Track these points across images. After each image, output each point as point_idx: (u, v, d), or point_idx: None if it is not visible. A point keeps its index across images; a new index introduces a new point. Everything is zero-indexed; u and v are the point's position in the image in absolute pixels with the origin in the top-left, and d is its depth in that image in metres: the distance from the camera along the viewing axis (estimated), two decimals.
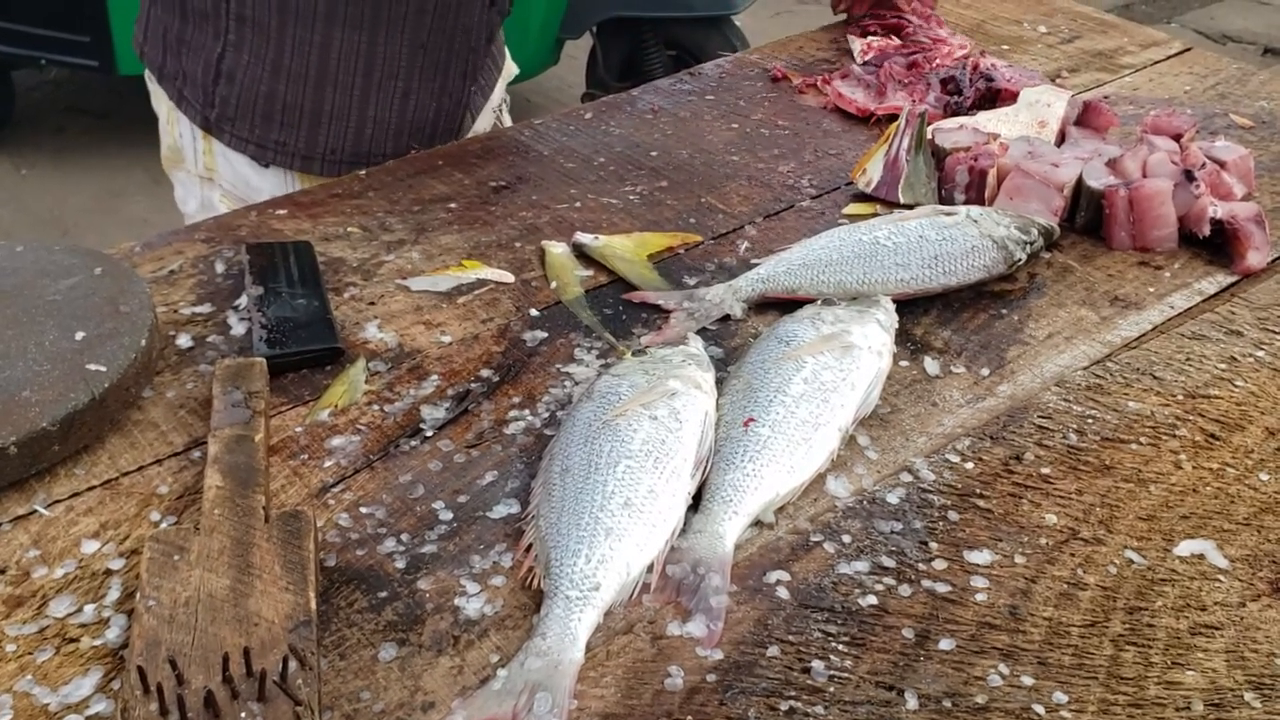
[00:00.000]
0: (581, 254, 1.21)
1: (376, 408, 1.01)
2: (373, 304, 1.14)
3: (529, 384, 1.04)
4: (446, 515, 0.90)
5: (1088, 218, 1.24)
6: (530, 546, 0.85)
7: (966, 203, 1.27)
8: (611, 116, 1.50)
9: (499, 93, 1.67)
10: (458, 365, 1.06)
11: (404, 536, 0.89)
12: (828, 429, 0.94)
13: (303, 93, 1.39)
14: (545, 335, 1.10)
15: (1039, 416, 1.00)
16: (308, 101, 1.40)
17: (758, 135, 1.46)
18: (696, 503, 0.89)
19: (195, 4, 1.39)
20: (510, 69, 1.72)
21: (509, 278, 1.18)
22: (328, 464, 0.96)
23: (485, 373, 1.05)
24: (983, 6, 1.75)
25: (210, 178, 1.49)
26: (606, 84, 4.55)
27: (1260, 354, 1.08)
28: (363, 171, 1.37)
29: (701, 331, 1.11)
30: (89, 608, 0.83)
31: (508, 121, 1.71)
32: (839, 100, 1.50)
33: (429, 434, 0.98)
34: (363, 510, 0.91)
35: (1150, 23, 6.44)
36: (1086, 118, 1.36)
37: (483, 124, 1.60)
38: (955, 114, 1.43)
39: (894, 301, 1.12)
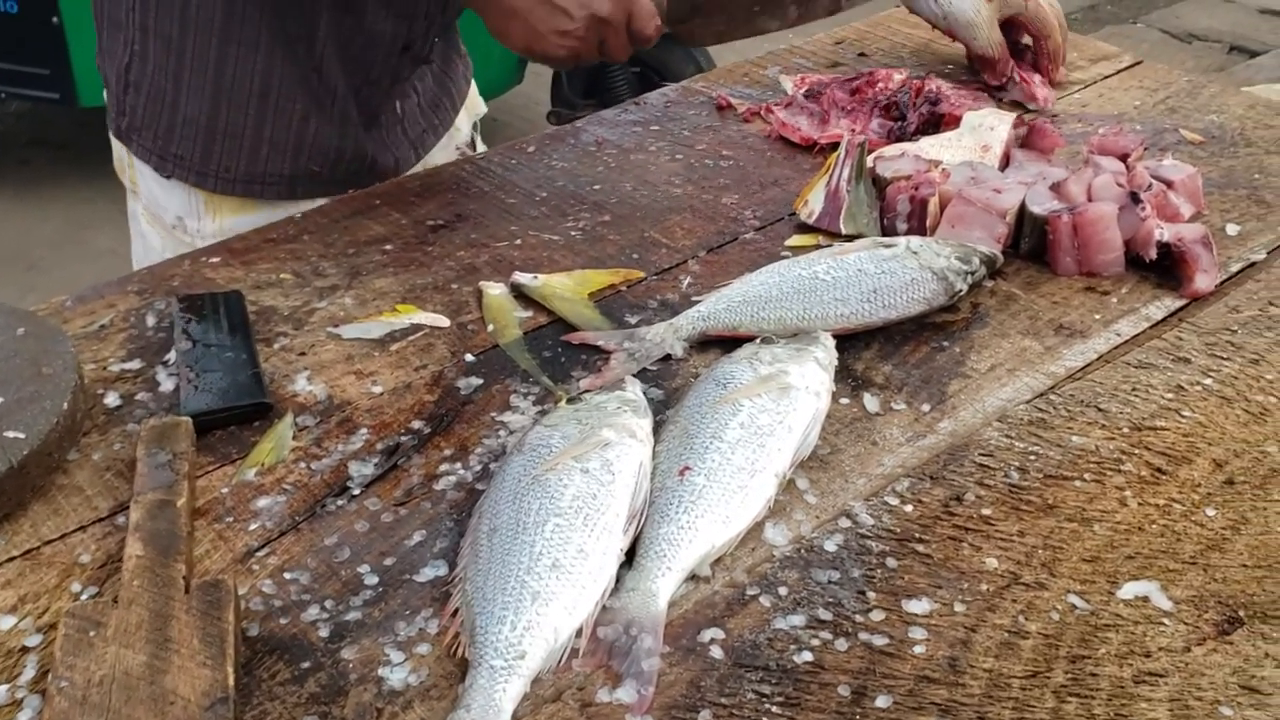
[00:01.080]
0: (520, 294, 1.19)
1: (304, 465, 0.99)
2: (303, 354, 1.12)
3: (461, 435, 1.01)
4: (372, 579, 0.88)
5: (1032, 243, 1.23)
6: (456, 611, 0.83)
7: (909, 232, 1.25)
8: (554, 149, 1.48)
9: (464, 131, 1.64)
10: (388, 417, 1.04)
11: (328, 603, 0.86)
12: (764, 475, 0.92)
13: (200, 107, 1.37)
14: (481, 382, 1.08)
15: (980, 454, 0.98)
16: (204, 117, 1.38)
17: (702, 166, 1.44)
18: (631, 557, 0.87)
19: (110, 12, 1.39)
20: (478, 107, 1.70)
21: (444, 322, 1.16)
22: (253, 526, 0.93)
23: (416, 424, 1.03)
24: (918, 30, 1.73)
25: (135, 191, 1.48)
26: (572, 102, 4.54)
27: (1208, 382, 1.06)
28: (298, 214, 1.35)
29: (642, 372, 1.09)
30: (2, 689, 0.80)
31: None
32: (782, 129, 1.48)
33: (356, 492, 0.96)
34: (287, 576, 0.88)
35: (1116, 22, 6.47)
36: (1031, 140, 1.35)
37: (441, 158, 1.58)
38: (899, 140, 1.41)
39: (835, 337, 1.10)
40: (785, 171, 1.42)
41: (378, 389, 1.07)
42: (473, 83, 1.68)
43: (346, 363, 1.11)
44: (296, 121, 1.40)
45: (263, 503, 0.95)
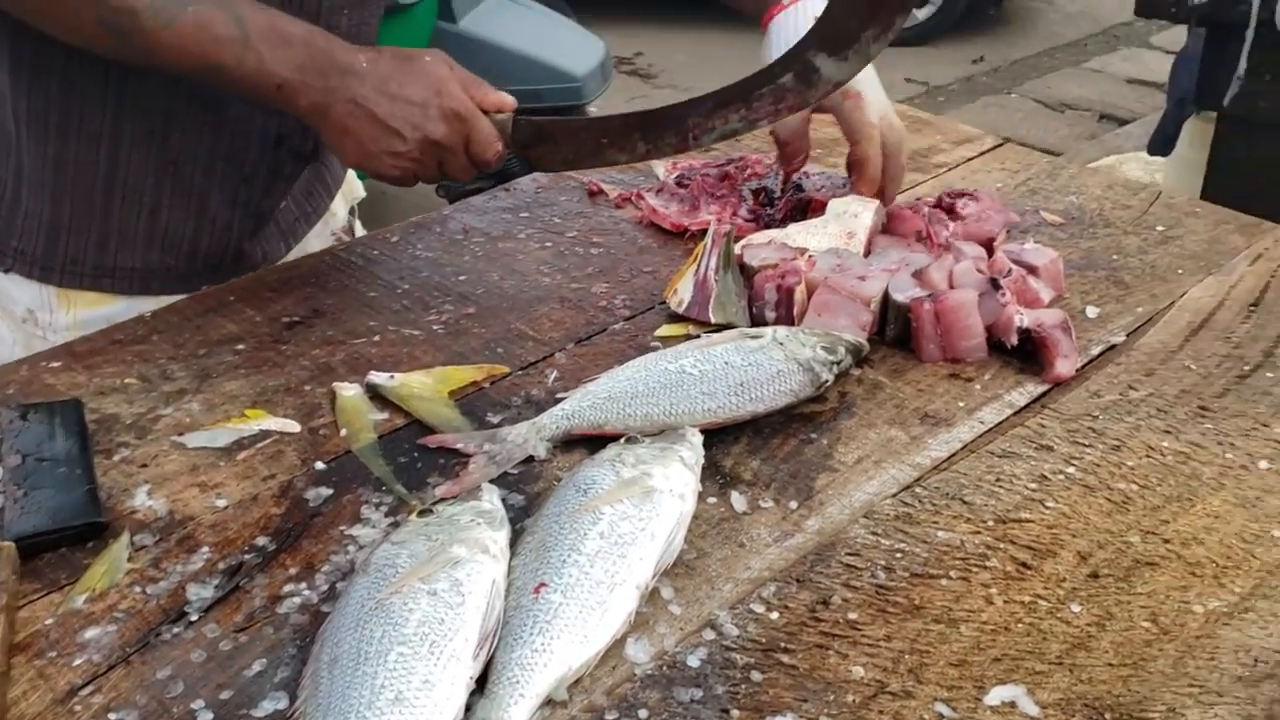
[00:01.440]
0: (377, 395, 1.14)
1: (139, 589, 0.92)
2: (145, 466, 1.05)
3: (308, 551, 0.96)
4: (206, 716, 0.82)
5: (897, 331, 1.23)
6: None
7: (777, 321, 1.24)
8: (419, 238, 1.44)
9: (340, 215, 1.60)
10: (232, 533, 0.98)
11: None
12: (625, 588, 0.88)
13: (41, 200, 1.31)
14: (331, 492, 1.03)
15: (847, 554, 0.96)
16: (45, 211, 1.31)
17: (572, 254, 1.42)
18: (483, 683, 0.83)
19: None
20: (355, 191, 1.65)
21: (295, 427, 1.10)
22: (78, 661, 0.86)
23: (261, 540, 0.97)
24: None
25: None
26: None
27: (1071, 470, 1.06)
28: (148, 313, 1.29)
29: (503, 476, 1.05)
30: None
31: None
32: (653, 215, 1.47)
33: (194, 618, 0.90)
34: (112, 716, 0.82)
35: (992, 93, 6.71)
36: (893, 225, 1.35)
37: (316, 245, 1.53)
38: (768, 226, 1.41)
39: (703, 432, 1.08)
40: (656, 259, 1.41)
41: (222, 502, 1.01)
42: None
43: (190, 474, 1.05)
44: (146, 214, 1.34)
45: (91, 633, 0.88)
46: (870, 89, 1.37)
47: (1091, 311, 1.30)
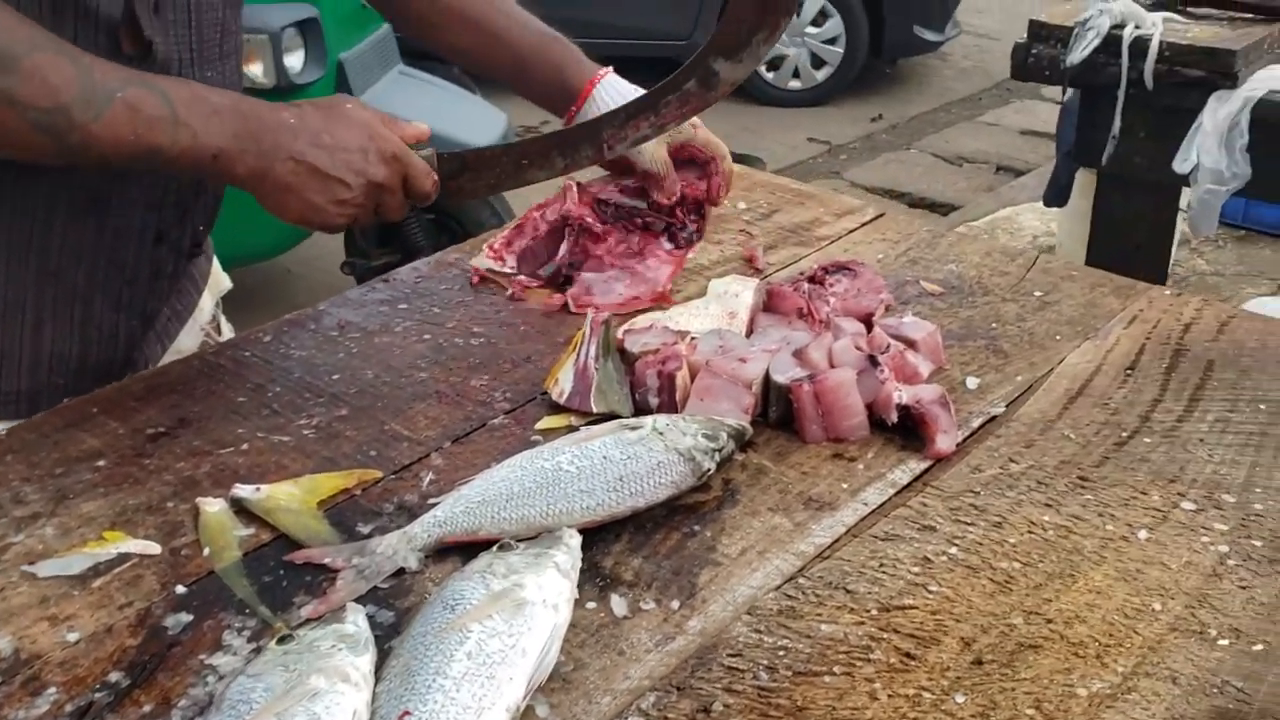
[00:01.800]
0: (243, 509, 1.10)
1: None
2: None
3: (164, 686, 0.91)
4: None
5: (779, 412, 1.22)
6: None
7: (660, 407, 1.22)
8: (293, 337, 1.40)
9: (207, 310, 1.55)
10: (82, 670, 0.92)
11: None
12: (494, 712, 0.85)
13: None
14: (191, 618, 0.97)
15: (729, 655, 0.94)
16: None
17: (451, 346, 1.39)
18: None
19: None
20: (221, 284, 1.61)
21: (155, 549, 1.05)
22: None
23: (114, 676, 0.92)
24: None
25: None
26: (366, 252, 4.46)
27: (953, 551, 1.05)
28: (3, 430, 1.23)
29: (373, 592, 1.01)
30: None
31: (228, 331, 1.59)
32: (522, 293, 1.45)
33: None
34: None
35: (892, 149, 6.86)
36: (774, 303, 1.35)
37: (188, 343, 1.49)
38: (689, 244, 1.50)
39: (582, 531, 1.05)
40: (539, 346, 1.38)
41: (73, 636, 0.96)
42: (214, 259, 1.59)
43: (40, 607, 0.99)
44: (29, 331, 1.28)
45: None
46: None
47: (972, 382, 1.30)
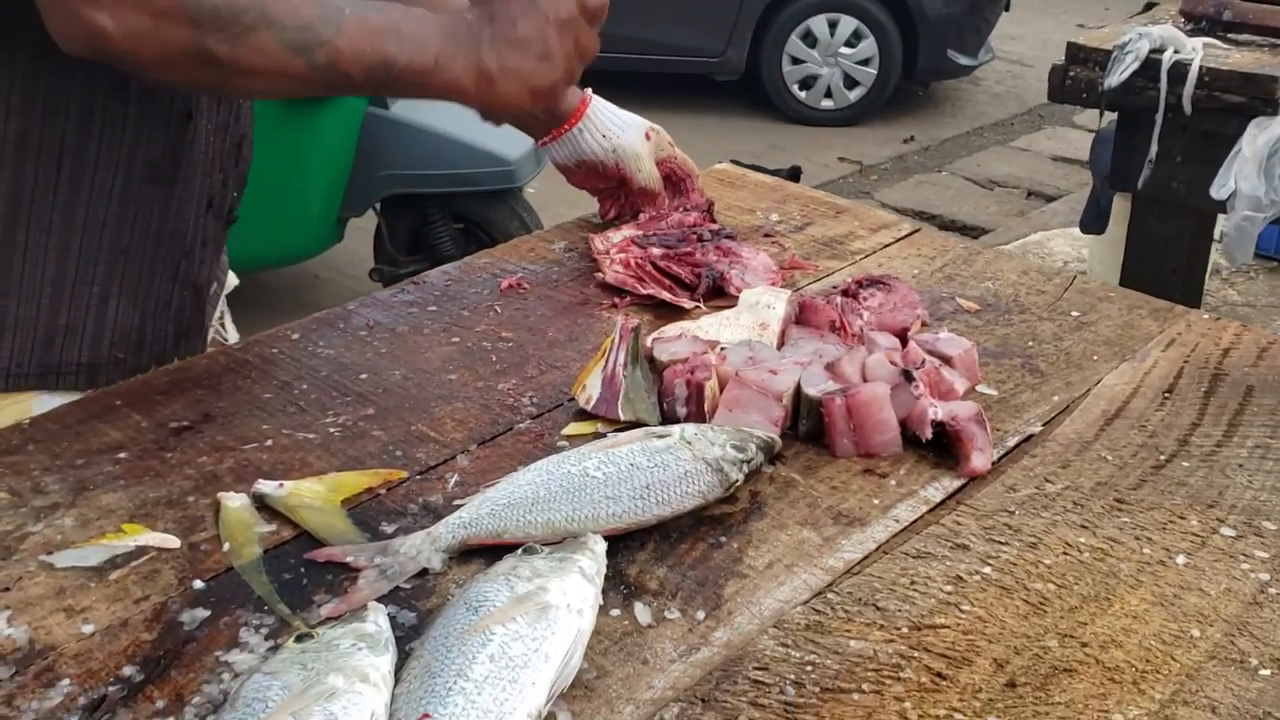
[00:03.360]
0: (265, 505, 1.08)
1: None
2: (7, 590, 0.98)
3: (178, 682, 0.89)
4: None
5: (810, 426, 1.19)
6: None
7: (688, 417, 1.20)
8: (322, 335, 1.39)
9: (219, 305, 1.56)
10: (96, 664, 0.91)
11: None
12: (516, 717, 0.83)
13: None
14: (208, 614, 0.96)
15: (755, 668, 0.92)
16: None
17: (479, 350, 1.37)
18: None
19: None
20: (229, 280, 1.61)
21: (174, 542, 1.04)
22: None
23: (128, 670, 0.90)
24: (716, 193, 1.74)
25: None
26: (395, 259, 4.47)
27: (986, 570, 1.03)
28: (26, 420, 1.22)
29: (394, 592, 0.99)
30: None
31: (230, 333, 1.60)
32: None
33: None
34: None
35: (924, 171, 6.83)
36: (806, 315, 1.33)
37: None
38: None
39: (607, 538, 1.03)
40: (567, 353, 1.37)
41: (89, 628, 0.94)
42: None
43: (56, 598, 0.98)
44: (95, 307, 1.30)
45: None
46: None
47: (1006, 401, 1.28)
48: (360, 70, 1.13)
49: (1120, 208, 3.41)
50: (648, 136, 1.60)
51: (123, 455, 1.16)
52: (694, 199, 1.65)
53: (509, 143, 4.33)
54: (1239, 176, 2.23)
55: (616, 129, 1.59)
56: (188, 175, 1.32)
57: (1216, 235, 3.11)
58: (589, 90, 1.59)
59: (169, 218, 1.33)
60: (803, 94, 7.29)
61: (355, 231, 4.60)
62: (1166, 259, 2.45)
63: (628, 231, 1.56)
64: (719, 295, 1.47)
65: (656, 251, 1.50)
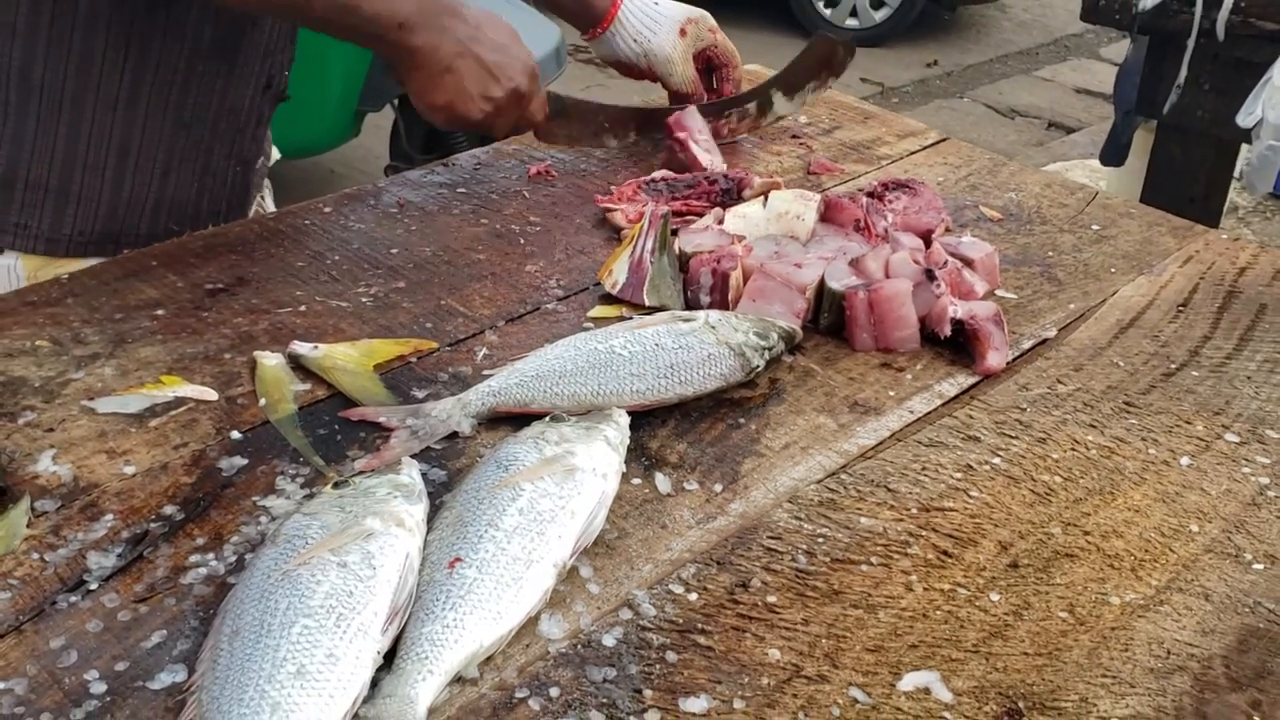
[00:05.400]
0: (300, 366, 1.12)
1: (36, 556, 0.89)
2: (51, 430, 1.02)
3: (217, 522, 0.93)
4: (99, 688, 0.79)
5: (831, 319, 1.22)
6: None
7: (712, 305, 1.23)
8: (353, 210, 1.41)
9: (264, 180, 1.59)
10: (138, 501, 0.95)
11: (44, 717, 0.77)
12: (542, 565, 0.87)
13: (48, 173, 1.29)
14: (245, 462, 1.00)
15: (769, 537, 0.95)
16: (53, 181, 1.30)
17: (508, 232, 1.39)
18: (392, 658, 0.80)
19: None
20: (273, 154, 1.63)
21: (211, 395, 1.07)
22: None
23: (169, 509, 0.94)
24: None
25: None
26: (411, 157, 4.45)
27: (996, 461, 1.06)
28: (65, 275, 1.25)
29: (425, 452, 1.03)
30: None
31: (270, 207, 1.63)
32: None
33: (93, 587, 0.87)
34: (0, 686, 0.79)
35: (945, 96, 6.76)
36: (831, 214, 1.35)
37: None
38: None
39: (630, 413, 1.06)
40: (593, 240, 1.39)
41: (130, 469, 0.98)
42: None
43: (99, 440, 1.01)
44: (156, 180, 1.35)
45: None
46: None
47: (1024, 306, 1.30)
48: (329, 8, 1.20)
49: (1141, 141, 3.39)
50: (683, 32, 1.59)
51: (160, 312, 1.19)
52: (726, 89, 1.65)
53: (532, 44, 4.30)
54: (1267, 105, 2.22)
55: (649, 32, 1.59)
56: (249, 54, 1.36)
57: (1236, 173, 3.10)
58: None
59: (227, 96, 1.36)
60: (828, 11, 7.18)
61: (371, 129, 4.57)
62: (1185, 188, 2.45)
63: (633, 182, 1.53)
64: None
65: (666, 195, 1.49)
